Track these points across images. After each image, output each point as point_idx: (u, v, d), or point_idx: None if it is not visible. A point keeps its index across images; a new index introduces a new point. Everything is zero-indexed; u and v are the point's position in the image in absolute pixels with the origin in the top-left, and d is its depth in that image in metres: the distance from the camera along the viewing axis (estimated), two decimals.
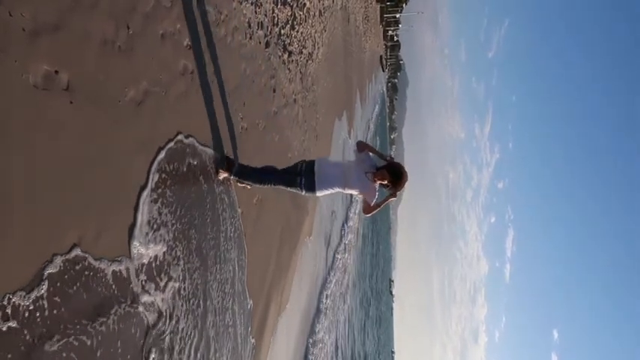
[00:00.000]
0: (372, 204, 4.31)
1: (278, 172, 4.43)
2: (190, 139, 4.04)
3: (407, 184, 4.27)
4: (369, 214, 4.41)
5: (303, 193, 4.29)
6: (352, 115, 21.56)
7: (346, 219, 18.31)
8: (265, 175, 4.48)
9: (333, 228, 14.74)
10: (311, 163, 4.29)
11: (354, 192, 4.35)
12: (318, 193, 4.27)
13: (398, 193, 4.27)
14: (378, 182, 4.20)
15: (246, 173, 4.65)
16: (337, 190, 4.29)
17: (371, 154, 4.36)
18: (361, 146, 4.40)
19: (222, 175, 4.63)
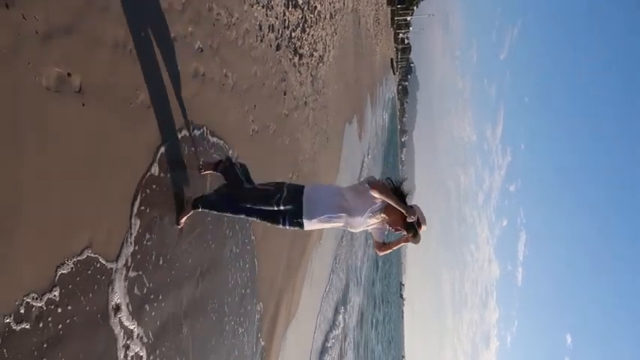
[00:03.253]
0: (381, 241, 3.46)
1: (254, 200, 3.32)
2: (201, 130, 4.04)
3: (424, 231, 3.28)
4: (382, 254, 3.55)
5: (287, 227, 3.28)
6: (363, 119, 21.53)
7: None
8: (238, 206, 3.36)
9: (343, 232, 14.68)
10: (298, 189, 3.29)
11: (357, 229, 3.38)
12: (307, 226, 3.26)
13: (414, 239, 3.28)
14: (388, 225, 3.31)
15: (215, 203, 3.46)
16: (333, 223, 3.30)
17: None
18: (373, 185, 3.19)
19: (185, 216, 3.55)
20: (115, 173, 2.82)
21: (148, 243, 3.11)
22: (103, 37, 2.75)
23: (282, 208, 3.22)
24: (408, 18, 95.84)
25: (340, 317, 13.26)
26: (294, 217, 3.22)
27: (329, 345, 11.17)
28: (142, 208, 3.05)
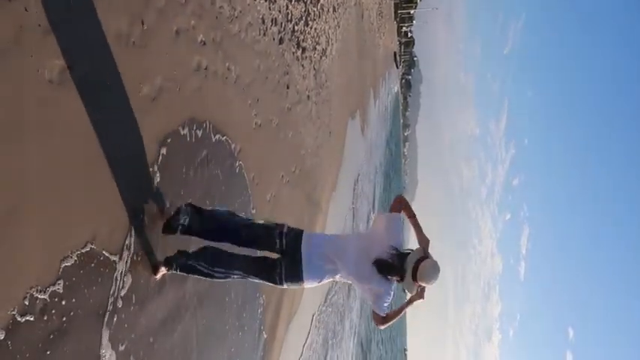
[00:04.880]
0: (383, 313, 2.95)
1: (245, 259, 3.02)
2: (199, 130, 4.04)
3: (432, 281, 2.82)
4: (384, 326, 3.02)
5: (284, 285, 2.96)
6: (366, 113, 21.49)
7: (365, 219, 18.24)
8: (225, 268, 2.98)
9: (349, 226, 14.66)
10: (297, 236, 2.97)
11: (365, 289, 3.00)
12: (307, 284, 2.95)
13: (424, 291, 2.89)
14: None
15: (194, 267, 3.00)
16: (338, 278, 3.03)
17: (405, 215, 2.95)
18: (397, 203, 2.98)
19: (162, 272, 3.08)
20: (118, 167, 2.82)
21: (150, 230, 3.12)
22: (105, 29, 2.74)
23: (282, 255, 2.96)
24: (412, 11, 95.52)
25: (344, 308, 13.30)
26: (292, 274, 2.91)
27: (332, 334, 11.22)
28: (145, 201, 3.07)
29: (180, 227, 2.99)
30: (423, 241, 2.91)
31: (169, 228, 3.03)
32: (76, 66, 2.44)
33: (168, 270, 3.04)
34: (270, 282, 2.97)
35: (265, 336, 5.97)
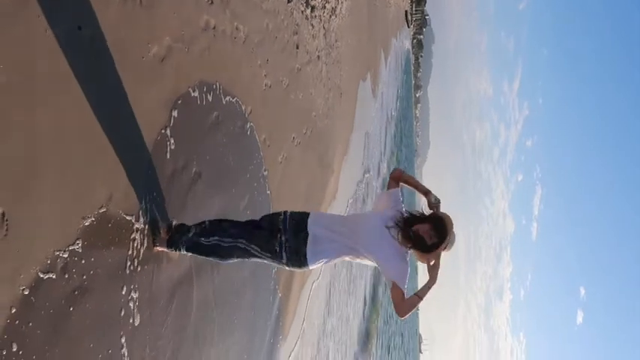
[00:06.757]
0: (404, 289, 2.71)
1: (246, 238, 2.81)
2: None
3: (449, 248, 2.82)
4: (406, 315, 2.75)
5: (288, 268, 2.83)
6: (376, 74, 21.13)
7: (378, 181, 18.20)
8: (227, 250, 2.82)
9: (361, 190, 14.65)
10: (301, 218, 2.84)
11: (369, 261, 2.84)
12: (312, 266, 2.78)
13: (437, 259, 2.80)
14: (409, 246, 2.73)
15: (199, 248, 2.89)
16: (342, 257, 2.88)
17: (407, 186, 2.94)
18: (396, 176, 2.95)
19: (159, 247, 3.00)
20: (131, 130, 2.83)
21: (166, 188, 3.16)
22: None
23: (286, 239, 2.78)
24: None
25: (357, 268, 13.46)
26: (296, 257, 2.76)
27: (346, 291, 11.41)
28: (158, 163, 3.09)
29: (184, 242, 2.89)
30: (426, 195, 2.86)
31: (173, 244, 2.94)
32: (84, 26, 2.41)
33: (174, 250, 2.97)
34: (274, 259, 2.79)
35: (280, 294, 6.10)
